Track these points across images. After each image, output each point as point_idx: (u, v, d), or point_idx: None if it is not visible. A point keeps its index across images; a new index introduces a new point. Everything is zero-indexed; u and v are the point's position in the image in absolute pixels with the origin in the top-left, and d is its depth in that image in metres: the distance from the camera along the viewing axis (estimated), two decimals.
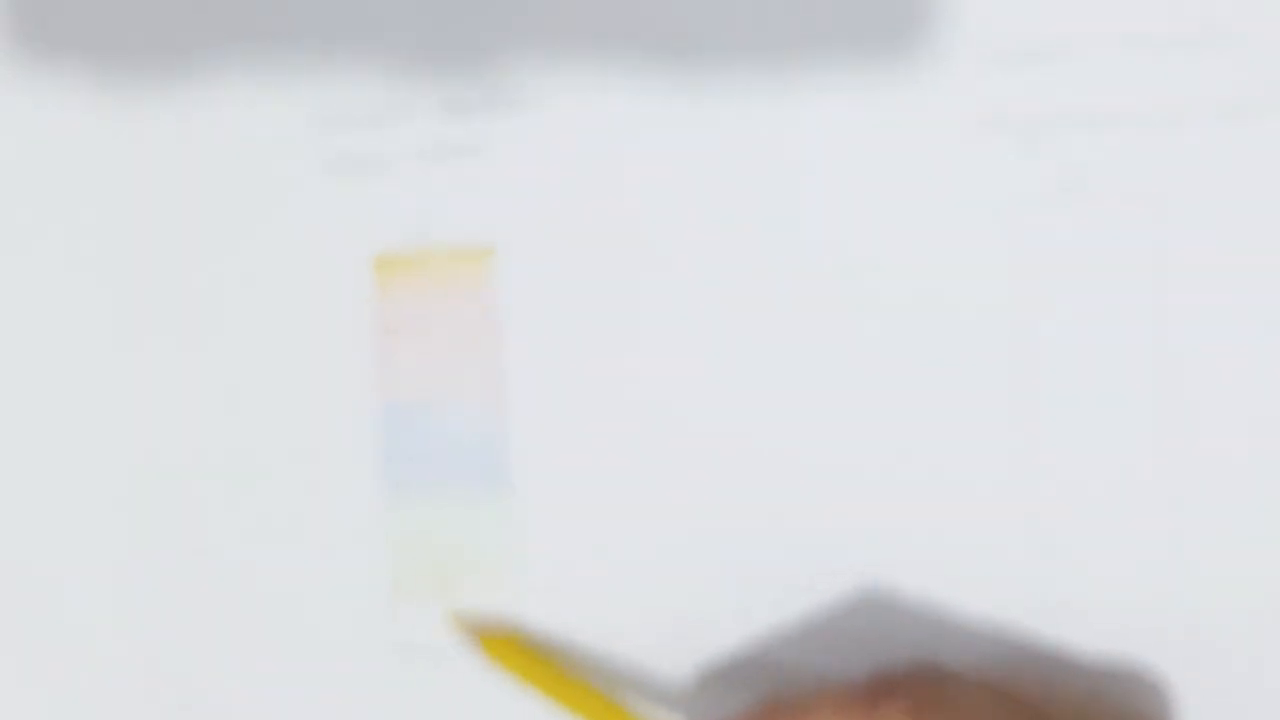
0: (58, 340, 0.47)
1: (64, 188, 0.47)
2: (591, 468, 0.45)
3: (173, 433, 0.47)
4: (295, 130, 0.46)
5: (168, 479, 0.47)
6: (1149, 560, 0.42)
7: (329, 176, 0.46)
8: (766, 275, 0.44)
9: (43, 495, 0.47)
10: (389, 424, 0.46)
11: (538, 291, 0.45)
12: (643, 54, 0.45)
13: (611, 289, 0.45)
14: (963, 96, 0.43)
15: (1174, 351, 0.42)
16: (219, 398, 0.47)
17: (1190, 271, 0.42)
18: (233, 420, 0.46)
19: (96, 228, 0.47)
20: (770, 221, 0.44)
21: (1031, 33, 0.43)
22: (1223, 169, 0.42)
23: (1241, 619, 0.41)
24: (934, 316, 0.43)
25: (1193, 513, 0.42)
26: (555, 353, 0.45)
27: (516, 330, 0.45)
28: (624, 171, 0.45)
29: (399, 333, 0.46)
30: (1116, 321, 0.42)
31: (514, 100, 0.45)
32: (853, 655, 0.44)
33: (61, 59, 0.47)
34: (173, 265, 0.47)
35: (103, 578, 0.47)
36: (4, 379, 0.47)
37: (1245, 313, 0.42)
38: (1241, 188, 0.42)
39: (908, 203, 0.43)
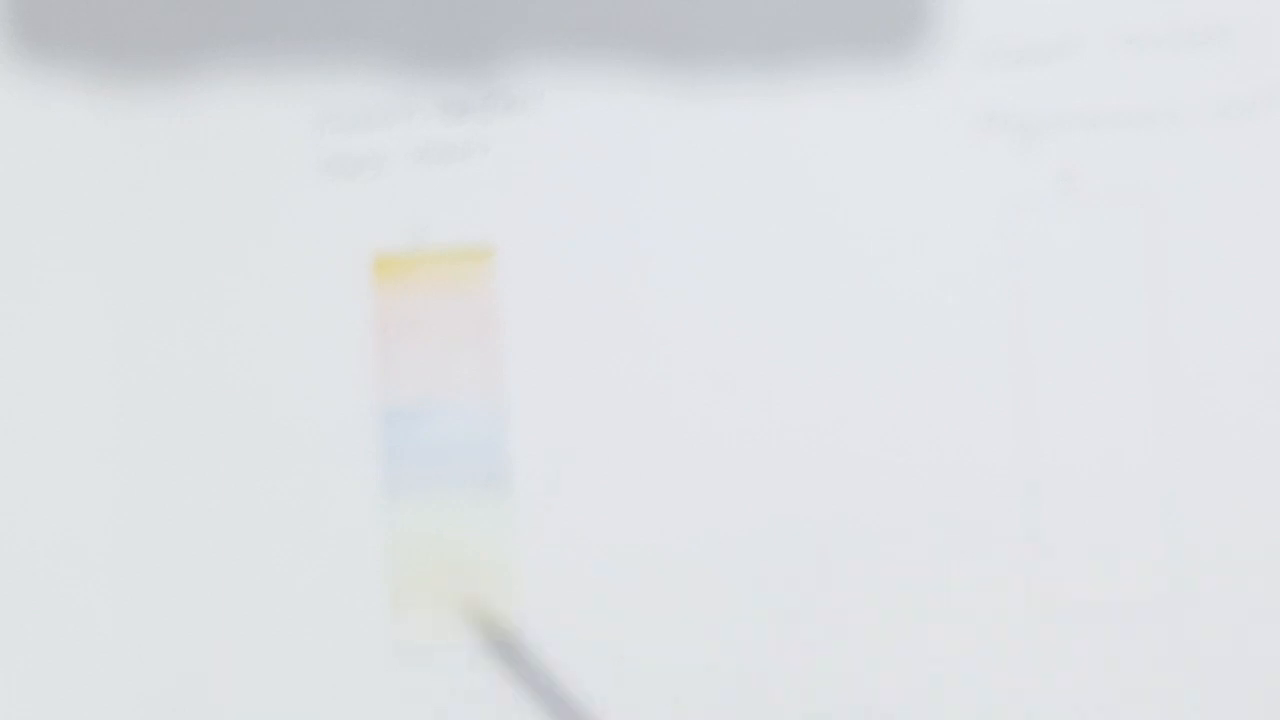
0: (55, 340, 0.47)
1: (62, 187, 0.47)
2: (591, 467, 0.45)
3: (172, 432, 0.47)
4: (294, 130, 0.46)
5: (167, 479, 0.47)
6: (1145, 558, 0.42)
7: (327, 176, 0.46)
8: (765, 274, 0.44)
9: (36, 496, 0.47)
10: (389, 424, 0.46)
11: (538, 291, 0.45)
12: (643, 54, 0.45)
13: (611, 289, 0.45)
14: (960, 95, 0.43)
15: (1172, 350, 0.42)
16: (219, 398, 0.47)
17: (1188, 270, 0.42)
18: (233, 420, 0.46)
19: (95, 227, 0.47)
20: (769, 220, 0.44)
21: (1030, 32, 0.43)
22: (1221, 168, 0.42)
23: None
24: (931, 316, 0.43)
25: (1189, 510, 0.42)
26: (555, 353, 0.45)
27: (516, 330, 0.45)
28: (624, 171, 0.45)
29: (399, 332, 0.46)
30: (1114, 321, 0.42)
31: (514, 100, 0.45)
32: (837, 681, 0.44)
33: (60, 59, 0.47)
34: (173, 265, 0.47)
35: (99, 578, 0.47)
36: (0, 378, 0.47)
37: (1243, 311, 0.42)
38: (1240, 187, 0.42)
39: (905, 202, 0.43)
